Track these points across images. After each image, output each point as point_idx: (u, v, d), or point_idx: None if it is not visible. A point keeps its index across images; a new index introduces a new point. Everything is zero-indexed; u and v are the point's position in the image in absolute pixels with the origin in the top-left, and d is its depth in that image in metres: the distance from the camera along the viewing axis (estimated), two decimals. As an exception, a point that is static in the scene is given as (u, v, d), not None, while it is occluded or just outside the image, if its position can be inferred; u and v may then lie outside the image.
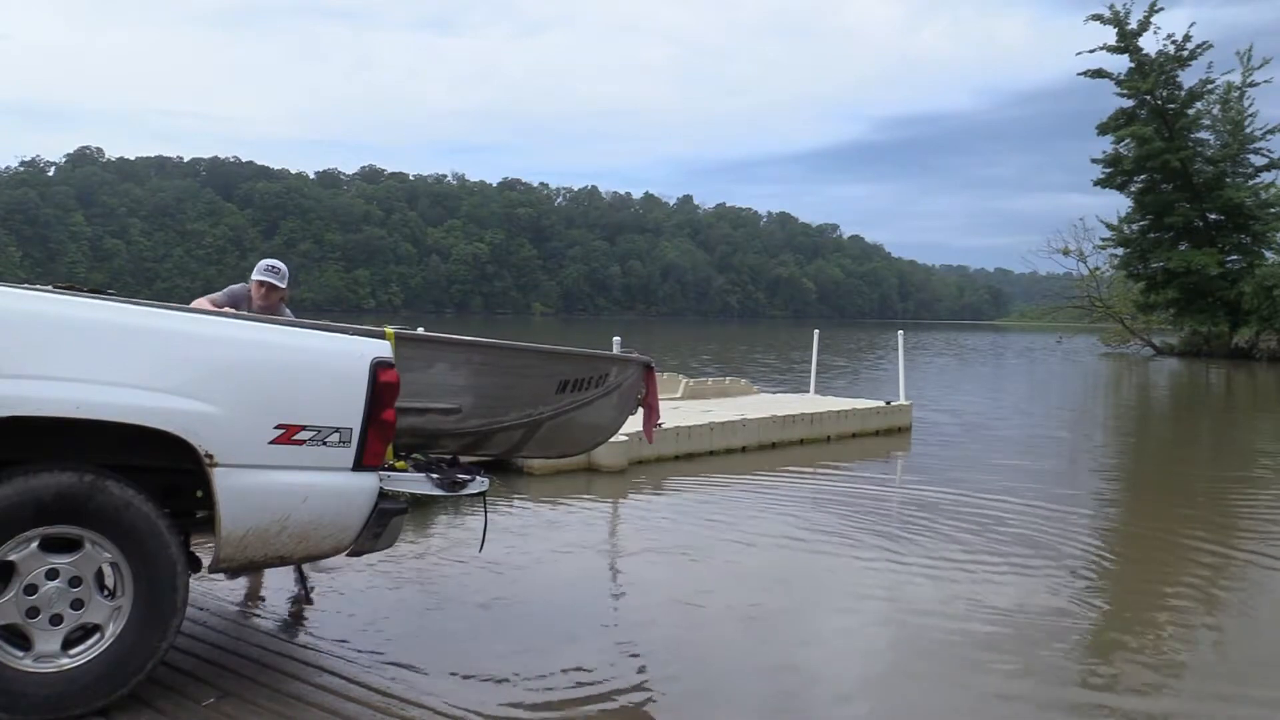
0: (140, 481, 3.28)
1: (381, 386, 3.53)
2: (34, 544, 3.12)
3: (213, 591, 4.91)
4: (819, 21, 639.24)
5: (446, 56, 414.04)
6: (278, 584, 5.31)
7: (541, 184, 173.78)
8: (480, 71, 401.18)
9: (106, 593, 3.26)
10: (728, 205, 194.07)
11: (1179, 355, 44.07)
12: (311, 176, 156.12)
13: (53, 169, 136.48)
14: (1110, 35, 42.66)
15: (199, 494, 3.47)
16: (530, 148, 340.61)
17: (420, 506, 6.62)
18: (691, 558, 6.71)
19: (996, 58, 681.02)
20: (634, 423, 6.12)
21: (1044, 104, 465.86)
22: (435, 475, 4.00)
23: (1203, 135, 45.07)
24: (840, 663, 4.80)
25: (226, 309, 5.08)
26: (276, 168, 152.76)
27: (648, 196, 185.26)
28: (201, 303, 5.16)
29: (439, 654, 4.55)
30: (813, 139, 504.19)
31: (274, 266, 5.66)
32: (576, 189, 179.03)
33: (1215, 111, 45.09)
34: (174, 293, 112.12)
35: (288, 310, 5.72)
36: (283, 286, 5.63)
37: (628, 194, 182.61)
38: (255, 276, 5.62)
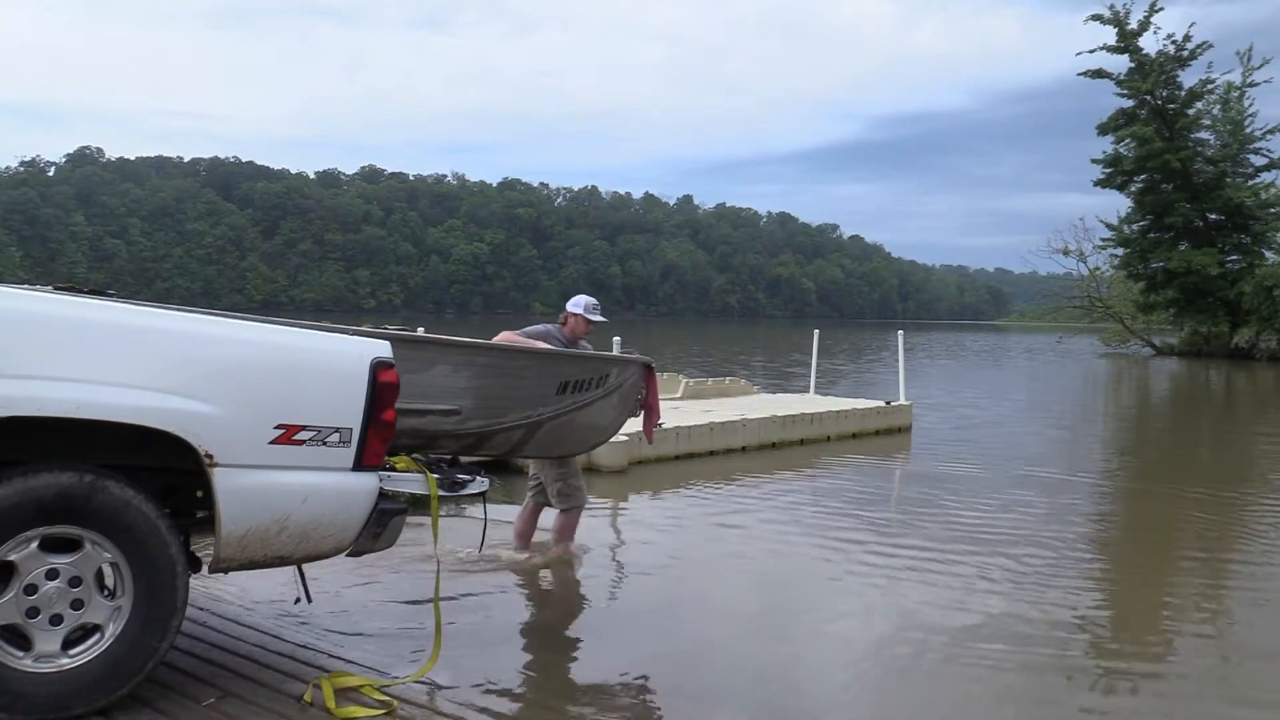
0: (140, 481, 3.27)
1: (382, 386, 3.53)
2: (34, 544, 3.12)
3: (212, 592, 4.91)
4: (815, 20, 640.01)
5: (441, 56, 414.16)
6: (277, 584, 5.30)
7: (541, 184, 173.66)
8: (477, 71, 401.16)
9: (106, 593, 3.26)
10: (728, 205, 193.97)
11: (1179, 355, 44.06)
12: (311, 176, 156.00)
13: (53, 169, 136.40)
14: (1110, 35, 42.73)
15: (199, 494, 3.47)
16: (529, 147, 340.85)
17: (420, 507, 6.62)
18: (690, 558, 6.71)
19: (991, 56, 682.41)
20: (634, 423, 6.12)
21: (1039, 102, 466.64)
22: (435, 475, 3.99)
23: (1203, 135, 45.13)
24: (840, 663, 4.80)
25: (538, 342, 5.69)
26: (276, 168, 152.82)
27: (648, 196, 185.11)
28: (511, 335, 5.77)
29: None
30: (811, 138, 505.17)
31: (599, 305, 6.19)
32: (576, 189, 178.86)
33: (1215, 111, 45.13)
34: (174, 293, 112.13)
35: (586, 344, 6.16)
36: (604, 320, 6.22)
37: (627, 194, 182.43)
38: (593, 318, 6.03)
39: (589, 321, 6.04)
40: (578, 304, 6.09)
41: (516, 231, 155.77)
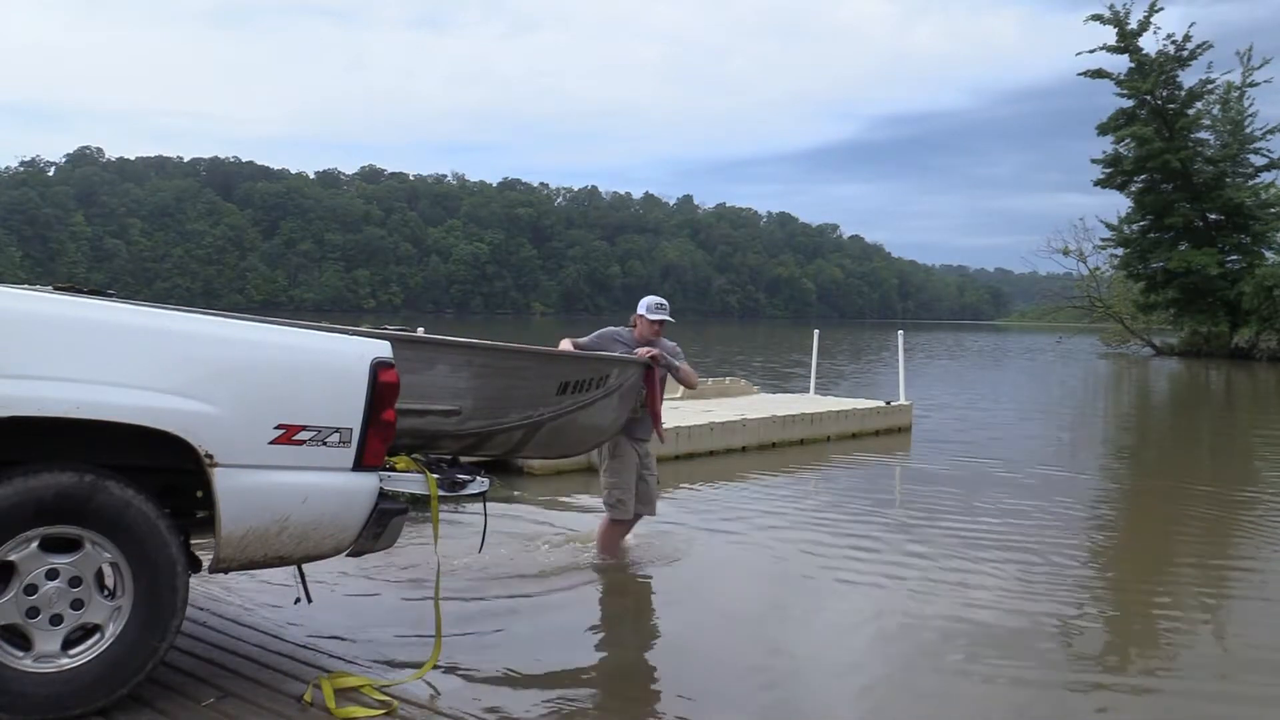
0: (140, 481, 3.27)
1: (382, 387, 3.53)
2: (34, 544, 3.12)
3: (212, 592, 4.91)
4: (814, 20, 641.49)
5: (441, 56, 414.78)
6: (277, 585, 5.30)
7: (541, 184, 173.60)
8: (477, 71, 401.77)
9: (106, 593, 3.26)
10: (728, 205, 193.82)
11: (1179, 355, 44.05)
12: (311, 176, 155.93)
13: (53, 169, 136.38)
14: (1110, 35, 42.72)
15: (199, 494, 3.47)
16: (529, 147, 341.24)
17: (420, 507, 6.62)
18: (690, 558, 6.71)
19: (991, 56, 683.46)
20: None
21: (1038, 102, 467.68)
22: (435, 475, 3.99)
23: (1203, 135, 45.09)
24: (841, 666, 4.80)
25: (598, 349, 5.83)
26: (276, 168, 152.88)
27: (647, 196, 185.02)
28: (565, 343, 5.83)
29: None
30: (811, 138, 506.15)
31: (664, 304, 6.15)
32: (576, 189, 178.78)
33: (1215, 111, 45.10)
34: (174, 293, 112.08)
35: (668, 342, 6.16)
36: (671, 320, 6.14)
37: (627, 194, 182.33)
38: (653, 317, 6.01)
39: (650, 322, 6.06)
40: (641, 305, 6.16)
41: (516, 231, 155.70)
